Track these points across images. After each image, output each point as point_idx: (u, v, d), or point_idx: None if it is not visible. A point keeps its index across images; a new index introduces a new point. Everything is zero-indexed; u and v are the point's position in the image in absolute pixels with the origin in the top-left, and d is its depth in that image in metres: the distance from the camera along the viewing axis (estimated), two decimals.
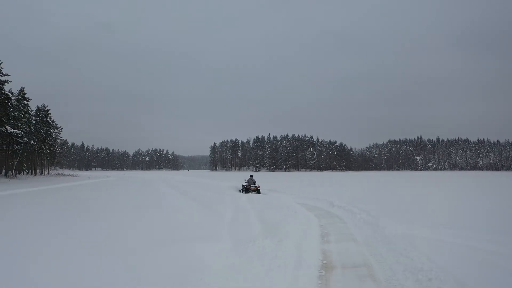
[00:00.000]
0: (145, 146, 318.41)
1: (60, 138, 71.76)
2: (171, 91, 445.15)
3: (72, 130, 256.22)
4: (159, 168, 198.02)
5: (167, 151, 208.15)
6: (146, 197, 16.25)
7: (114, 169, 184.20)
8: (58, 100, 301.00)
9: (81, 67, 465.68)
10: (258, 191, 20.06)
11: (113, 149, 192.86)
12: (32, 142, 42.61)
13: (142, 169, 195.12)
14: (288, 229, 8.25)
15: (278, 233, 7.72)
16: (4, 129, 32.40)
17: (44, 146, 43.88)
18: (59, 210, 11.97)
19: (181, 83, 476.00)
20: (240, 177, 74.33)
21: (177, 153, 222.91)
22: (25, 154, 38.21)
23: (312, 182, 38.37)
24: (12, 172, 36.07)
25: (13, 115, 34.89)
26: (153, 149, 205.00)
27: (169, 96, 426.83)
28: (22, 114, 39.08)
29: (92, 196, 18.46)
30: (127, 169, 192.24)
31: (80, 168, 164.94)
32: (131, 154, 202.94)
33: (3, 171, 36.28)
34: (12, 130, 33.24)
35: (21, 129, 35.61)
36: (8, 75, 33.38)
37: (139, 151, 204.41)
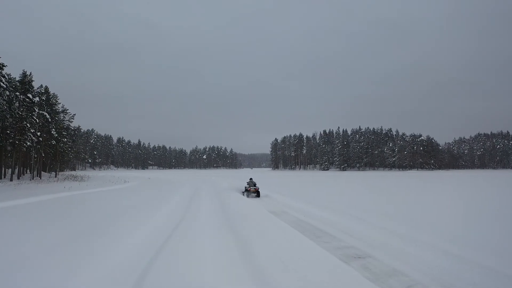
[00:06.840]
0: (203, 144, 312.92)
1: (71, 127, 56.69)
2: (229, 90, 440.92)
3: (129, 129, 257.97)
4: (216, 167, 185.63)
5: (225, 148, 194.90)
6: None
7: (171, 168, 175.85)
8: (113, 100, 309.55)
9: (132, 69, 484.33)
10: (257, 193, 20.34)
11: (169, 147, 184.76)
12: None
13: (200, 167, 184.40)
14: None
15: None
16: None
17: (24, 136, 29.27)
18: None
19: (235, 80, 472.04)
20: (312, 176, 56.84)
21: (236, 151, 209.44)
22: None
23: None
24: None
25: None
26: (211, 146, 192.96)
27: (226, 94, 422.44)
28: None
29: None
30: (184, 167, 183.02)
31: (136, 167, 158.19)
32: (188, 152, 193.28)
33: None
34: None
35: None
36: None
37: (196, 148, 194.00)
